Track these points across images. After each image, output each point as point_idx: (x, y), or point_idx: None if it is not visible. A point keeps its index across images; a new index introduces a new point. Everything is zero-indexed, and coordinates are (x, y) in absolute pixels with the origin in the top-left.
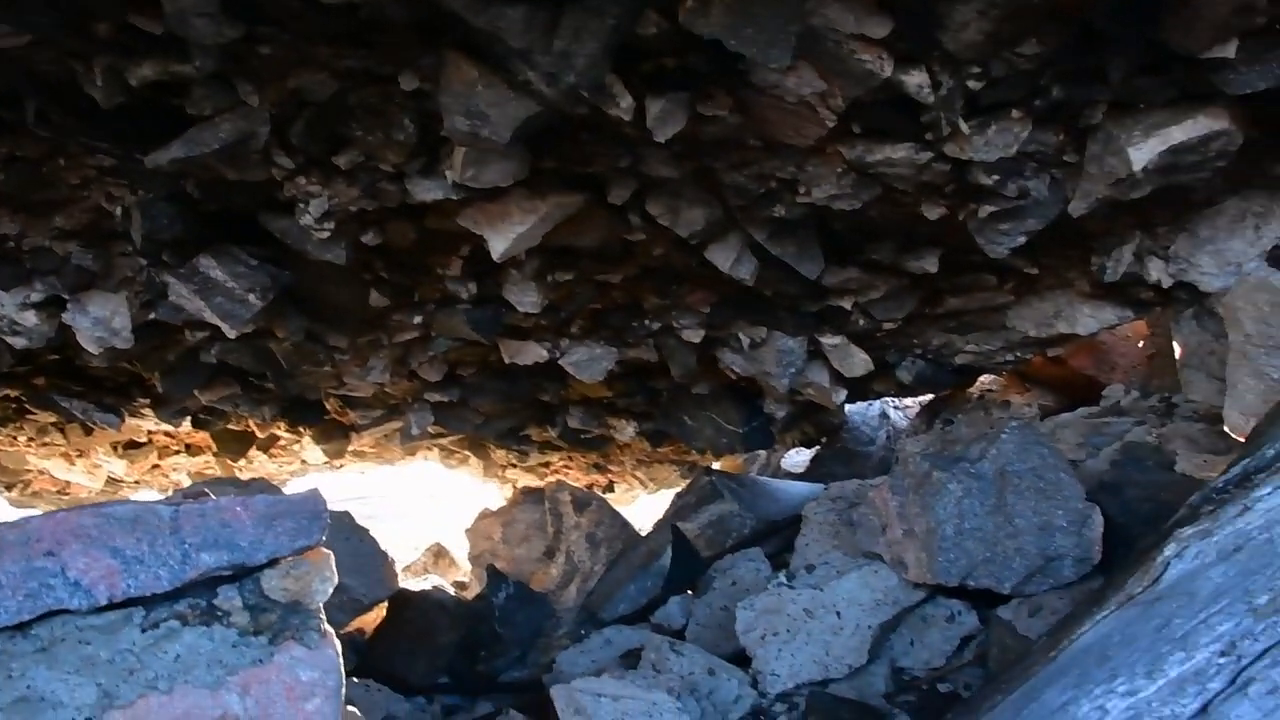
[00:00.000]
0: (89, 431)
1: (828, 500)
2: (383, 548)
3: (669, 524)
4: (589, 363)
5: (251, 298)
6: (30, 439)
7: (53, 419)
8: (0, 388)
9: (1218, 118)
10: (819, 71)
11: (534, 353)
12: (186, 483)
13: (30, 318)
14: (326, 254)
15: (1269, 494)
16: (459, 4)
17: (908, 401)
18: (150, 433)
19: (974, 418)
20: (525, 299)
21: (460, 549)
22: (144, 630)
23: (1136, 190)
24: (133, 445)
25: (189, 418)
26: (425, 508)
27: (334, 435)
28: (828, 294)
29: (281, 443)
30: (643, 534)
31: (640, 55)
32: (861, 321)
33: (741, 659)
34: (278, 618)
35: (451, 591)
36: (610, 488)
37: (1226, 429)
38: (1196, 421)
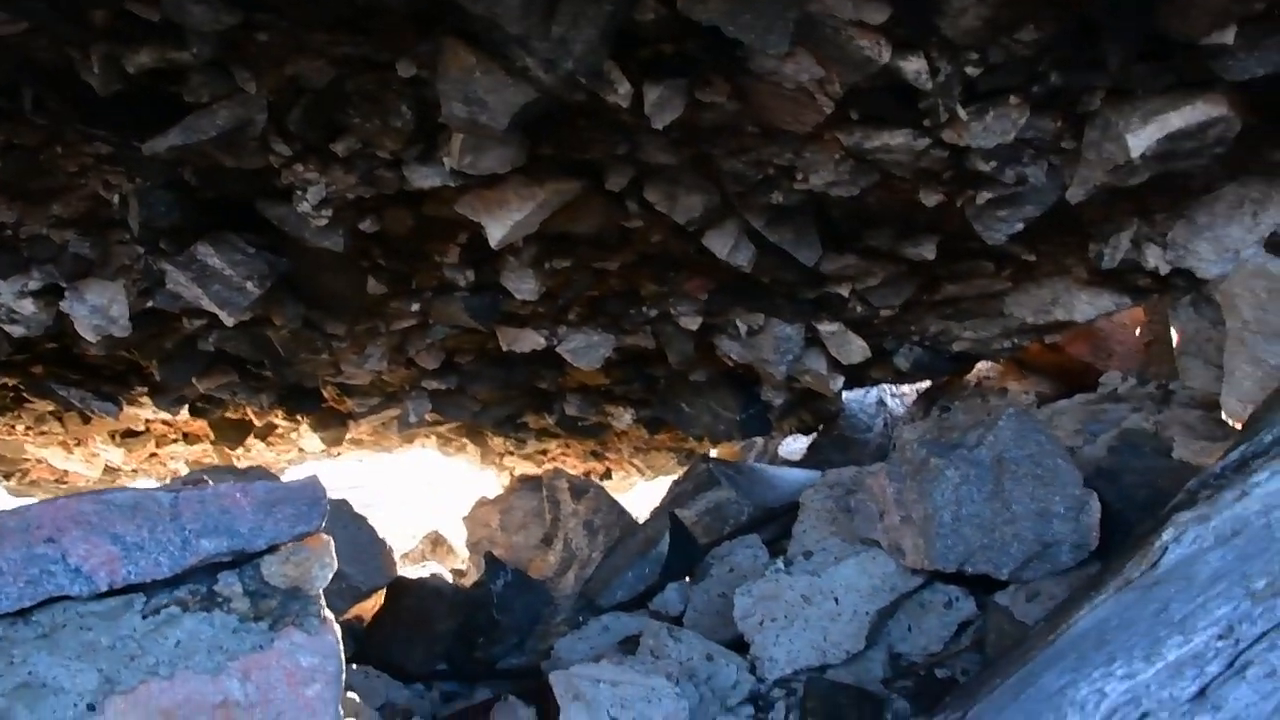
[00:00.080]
0: (87, 420)
1: (825, 487)
2: (381, 535)
3: (666, 511)
4: (586, 350)
5: (249, 285)
6: (28, 427)
7: (50, 407)
8: None
9: (1216, 104)
10: (817, 58)
11: (531, 340)
12: (184, 471)
13: (28, 306)
14: (324, 241)
15: (1266, 479)
16: None
17: (905, 388)
18: (148, 421)
19: (971, 404)
20: (523, 286)
21: (458, 536)
22: (145, 616)
23: (1134, 177)
24: (130, 434)
25: (187, 406)
26: (423, 495)
27: (331, 423)
28: (825, 281)
29: (279, 431)
30: (640, 521)
31: (638, 41)
32: (859, 308)
33: (739, 645)
34: (278, 603)
35: (449, 579)
36: (608, 475)
37: (1224, 415)
38: (1194, 408)
